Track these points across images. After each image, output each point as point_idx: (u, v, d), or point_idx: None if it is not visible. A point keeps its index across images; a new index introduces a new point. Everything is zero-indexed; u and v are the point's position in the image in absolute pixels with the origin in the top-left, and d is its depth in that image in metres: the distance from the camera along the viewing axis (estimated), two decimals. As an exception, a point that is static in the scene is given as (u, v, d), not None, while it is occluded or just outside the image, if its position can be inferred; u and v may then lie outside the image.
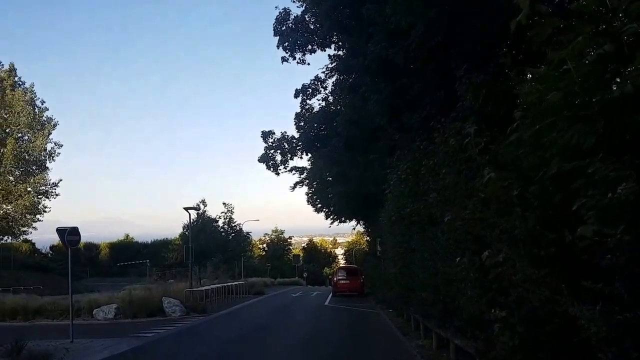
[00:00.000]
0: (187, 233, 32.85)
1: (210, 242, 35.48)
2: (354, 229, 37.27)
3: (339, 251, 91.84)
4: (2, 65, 43.89)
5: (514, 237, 4.26)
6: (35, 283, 32.36)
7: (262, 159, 25.86)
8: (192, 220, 31.39)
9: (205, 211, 37.61)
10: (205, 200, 38.03)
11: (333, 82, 23.99)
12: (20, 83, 44.31)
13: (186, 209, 27.91)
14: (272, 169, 25.77)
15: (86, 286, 40.50)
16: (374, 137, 19.90)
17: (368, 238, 34.70)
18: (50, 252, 57.87)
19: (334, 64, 23.30)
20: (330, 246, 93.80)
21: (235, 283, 29.86)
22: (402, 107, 16.28)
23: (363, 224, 35.04)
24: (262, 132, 25.83)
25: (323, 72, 24.11)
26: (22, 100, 42.46)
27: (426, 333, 11.70)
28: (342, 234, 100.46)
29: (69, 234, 14.73)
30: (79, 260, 57.17)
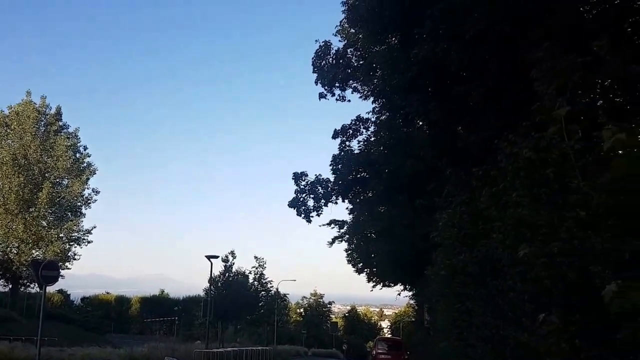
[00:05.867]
0: (211, 286, 29.66)
1: (238, 298, 31.92)
2: (399, 294, 32.60)
3: (385, 324, 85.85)
4: (50, 108, 43.80)
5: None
6: (53, 334, 29.95)
7: (292, 204, 22.63)
8: (217, 272, 28.28)
9: (233, 264, 34.30)
10: (234, 252, 34.80)
11: (374, 120, 21.21)
12: (65, 127, 44.02)
13: (208, 257, 25.02)
14: (303, 214, 22.41)
15: (108, 341, 37.63)
16: (421, 178, 16.63)
17: (415, 305, 30.18)
18: (81, 303, 56.26)
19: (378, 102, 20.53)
20: (376, 317, 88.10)
21: (256, 348, 25.98)
22: (455, 130, 13.13)
23: (410, 289, 30.59)
24: (294, 174, 22.75)
25: (368, 112, 21.51)
26: (64, 145, 41.94)
27: None
28: (389, 305, 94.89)
29: (44, 268, 12.19)
30: (107, 313, 55.15)
